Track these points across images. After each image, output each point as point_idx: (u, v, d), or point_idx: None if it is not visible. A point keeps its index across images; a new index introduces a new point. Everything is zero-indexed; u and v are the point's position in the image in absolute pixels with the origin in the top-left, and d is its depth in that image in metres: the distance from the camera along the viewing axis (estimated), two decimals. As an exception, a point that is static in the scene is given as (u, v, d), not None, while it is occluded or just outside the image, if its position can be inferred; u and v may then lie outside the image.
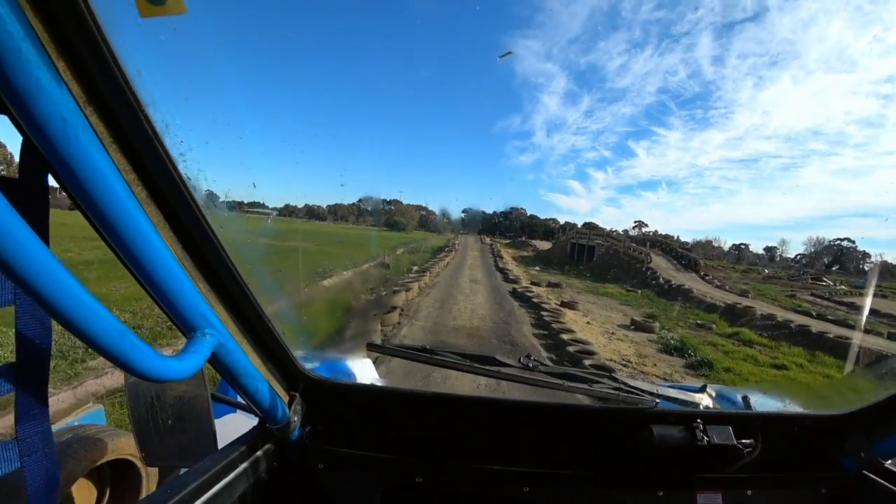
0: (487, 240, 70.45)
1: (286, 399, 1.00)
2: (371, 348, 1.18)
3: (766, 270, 39.51)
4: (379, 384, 1.75)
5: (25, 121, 0.39)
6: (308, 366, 1.06)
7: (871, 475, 1.12)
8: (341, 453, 1.10)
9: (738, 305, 19.66)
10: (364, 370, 1.90)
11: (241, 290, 0.74)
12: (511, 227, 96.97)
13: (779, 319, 17.18)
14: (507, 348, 9.52)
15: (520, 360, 1.13)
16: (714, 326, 16.20)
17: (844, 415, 1.14)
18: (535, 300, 16.38)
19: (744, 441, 1.07)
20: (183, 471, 0.87)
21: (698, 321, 17.81)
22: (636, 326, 14.69)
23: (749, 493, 1.13)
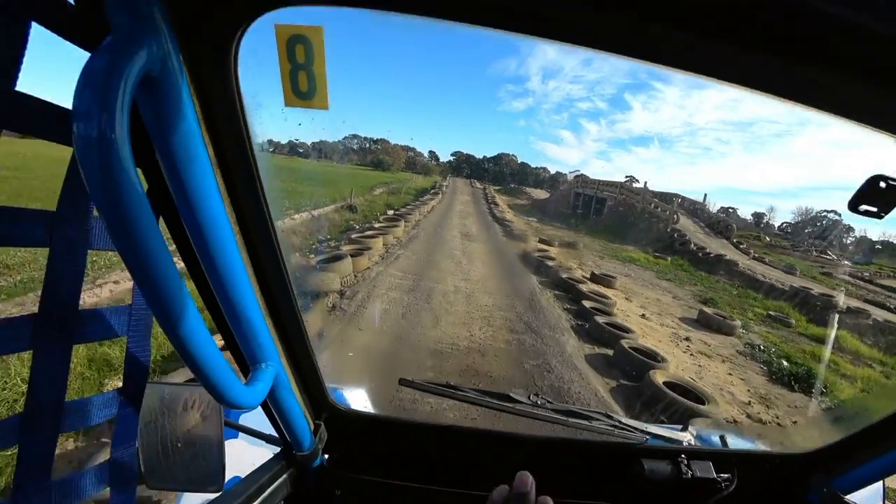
0: (478, 184, 64.14)
1: (311, 426, 1.02)
2: (403, 383, 1.18)
3: (768, 238, 34.76)
4: (372, 411, 1.64)
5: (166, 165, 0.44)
6: None
7: None
8: (360, 480, 1.14)
9: (810, 292, 14.71)
10: (359, 398, 1.96)
11: (296, 323, 0.77)
12: (501, 173, 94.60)
13: (877, 318, 12.42)
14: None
15: (529, 397, 1.19)
16: (793, 322, 12.13)
17: (808, 453, 1.22)
18: (561, 273, 10.87)
19: (722, 475, 1.16)
20: (184, 496, 1.02)
21: (769, 312, 12.93)
22: (706, 323, 9.84)
23: None
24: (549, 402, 1.19)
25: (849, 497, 1.15)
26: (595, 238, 23.65)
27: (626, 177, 33.50)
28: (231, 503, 0.86)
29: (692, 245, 22.13)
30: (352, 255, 8.42)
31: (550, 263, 12.14)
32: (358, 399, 1.95)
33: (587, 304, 8.33)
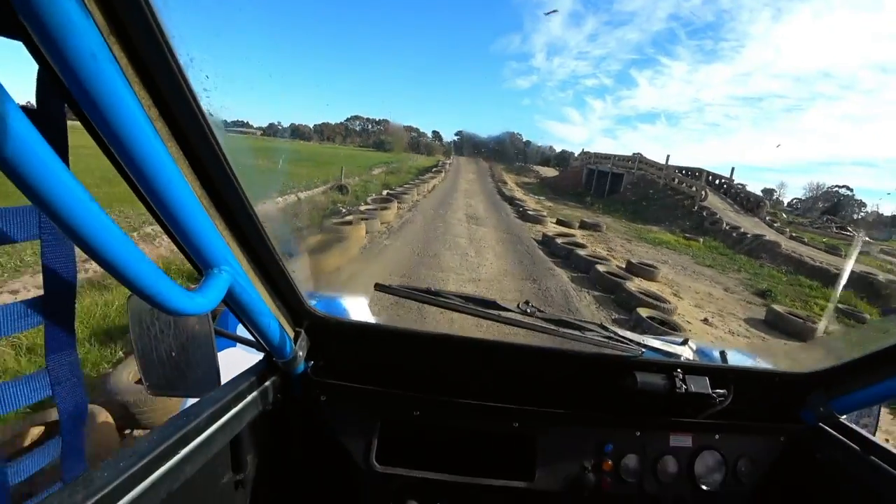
0: (483, 162, 61.34)
1: (292, 334, 1.02)
2: (379, 288, 1.15)
3: (785, 216, 32.33)
4: (371, 320, 1.83)
5: (49, 51, 0.38)
6: (311, 302, 1.09)
7: (826, 427, 1.22)
8: (343, 387, 1.13)
9: (874, 278, 12.46)
10: (358, 308, 1.95)
11: (255, 228, 0.75)
12: (506, 152, 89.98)
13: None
14: None
15: (518, 305, 1.17)
16: (867, 318, 9.88)
17: (809, 373, 1.24)
18: (598, 266, 8.64)
19: (717, 391, 1.15)
20: (189, 401, 0.95)
21: (838, 304, 10.72)
22: (779, 326, 7.71)
23: (716, 437, 1.23)
24: (539, 310, 1.17)
25: (844, 418, 1.20)
26: (616, 218, 21.30)
27: (634, 154, 30.90)
28: (209, 408, 0.85)
29: (724, 224, 19.75)
30: (316, 252, 6.23)
31: (582, 253, 9.89)
32: (359, 308, 1.95)
33: (643, 312, 6.13)
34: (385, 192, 17.44)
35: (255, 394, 0.98)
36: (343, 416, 1.15)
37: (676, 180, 24.94)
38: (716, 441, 1.23)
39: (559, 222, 15.84)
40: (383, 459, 1.14)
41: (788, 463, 1.25)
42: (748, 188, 25.09)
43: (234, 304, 0.76)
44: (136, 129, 0.45)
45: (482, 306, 1.12)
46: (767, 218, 22.98)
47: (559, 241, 10.87)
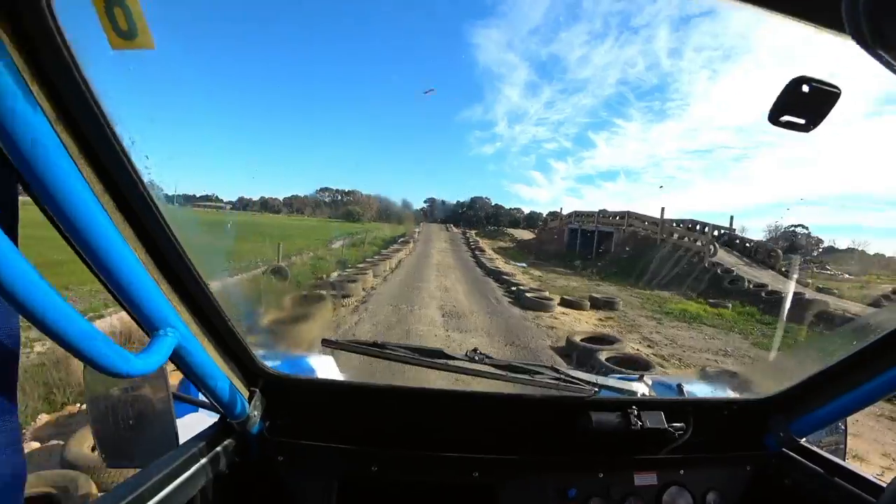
0: (455, 228, 59.01)
1: (246, 395, 1.01)
2: (326, 344, 1.17)
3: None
4: (339, 378, 1.82)
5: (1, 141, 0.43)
6: (270, 363, 1.09)
7: (789, 452, 1.22)
8: (301, 445, 1.12)
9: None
10: (325, 366, 1.95)
11: (202, 291, 0.76)
12: (476, 217, 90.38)
13: None
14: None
15: (466, 353, 1.15)
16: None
17: (765, 398, 1.23)
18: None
19: (675, 425, 1.14)
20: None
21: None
22: None
23: (682, 472, 1.21)
24: (487, 357, 1.15)
25: (804, 440, 1.21)
26: (619, 285, 17.89)
27: (600, 211, 28.88)
28: (156, 474, 0.82)
29: (747, 283, 16.59)
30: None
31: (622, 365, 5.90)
32: (326, 366, 1.93)
33: None
34: (336, 275, 13.50)
35: (208, 457, 0.95)
36: (301, 475, 1.12)
37: (676, 235, 22.19)
38: (681, 476, 1.20)
39: (564, 302, 12.05)
40: None
41: (757, 491, 1.23)
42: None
43: (182, 366, 0.77)
44: (78, 201, 0.50)
45: (429, 356, 1.13)
46: (783, 269, 20.11)
47: (602, 355, 6.74)
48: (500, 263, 21.48)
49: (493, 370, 1.12)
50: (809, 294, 14.54)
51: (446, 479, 1.14)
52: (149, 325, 0.65)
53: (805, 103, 0.57)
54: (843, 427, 1.48)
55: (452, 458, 1.13)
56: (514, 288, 13.35)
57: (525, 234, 52.79)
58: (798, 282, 17.16)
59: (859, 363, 1.00)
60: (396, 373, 3.72)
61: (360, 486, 1.12)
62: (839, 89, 0.57)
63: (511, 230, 57.26)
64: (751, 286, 16.12)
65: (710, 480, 1.21)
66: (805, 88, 0.56)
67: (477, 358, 1.13)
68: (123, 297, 0.60)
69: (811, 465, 1.15)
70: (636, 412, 1.11)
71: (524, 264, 23.61)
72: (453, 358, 1.12)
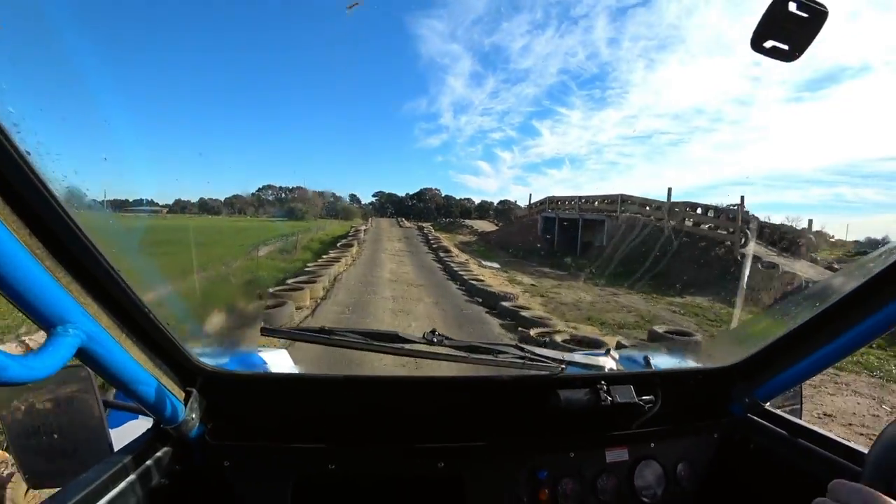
0: (407, 223, 53.13)
1: (181, 396, 0.93)
2: (265, 333, 1.09)
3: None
4: (294, 371, 1.74)
5: None
6: (216, 361, 1.03)
7: (754, 417, 1.23)
8: (249, 447, 1.03)
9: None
10: (280, 360, 1.83)
11: (117, 285, 0.70)
12: (427, 208, 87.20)
13: None
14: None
15: (424, 335, 1.09)
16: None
17: (730, 366, 1.24)
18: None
19: (644, 398, 1.12)
20: None
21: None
22: None
23: (652, 445, 1.20)
24: (446, 338, 1.09)
25: (769, 405, 1.22)
26: (644, 294, 13.32)
27: (579, 197, 25.09)
28: (78, 493, 0.74)
29: (803, 282, 12.52)
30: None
31: None
32: (280, 361, 1.82)
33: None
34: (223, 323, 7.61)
35: (140, 469, 0.86)
36: (250, 480, 1.02)
37: (691, 221, 17.98)
38: (652, 450, 1.20)
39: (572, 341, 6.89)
40: None
41: (725, 458, 1.25)
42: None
43: (96, 368, 0.71)
44: None
45: (383, 340, 1.07)
46: (812, 255, 16.43)
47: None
48: (476, 268, 16.22)
49: (453, 352, 1.08)
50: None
51: (410, 472, 1.07)
52: (44, 321, 0.60)
53: (790, 26, 0.53)
54: (799, 390, 1.51)
55: (415, 448, 1.07)
56: (543, 337, 7.66)
57: (485, 226, 48.17)
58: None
59: (818, 327, 1.02)
60: (356, 364, 3.89)
61: (317, 486, 1.04)
62: (827, 9, 0.52)
63: (469, 221, 52.21)
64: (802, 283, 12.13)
65: (680, 451, 1.22)
66: (792, 6, 0.52)
67: (436, 340, 1.07)
68: (10, 291, 0.54)
69: (775, 427, 1.18)
70: (605, 387, 1.08)
71: (496, 265, 18.66)
72: (410, 341, 1.06)
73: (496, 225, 51.33)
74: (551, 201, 27.80)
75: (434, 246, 24.41)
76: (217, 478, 1.00)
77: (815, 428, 1.12)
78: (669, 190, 19.51)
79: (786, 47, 0.55)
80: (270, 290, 9.72)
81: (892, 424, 0.57)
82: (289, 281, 11.21)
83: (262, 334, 1.08)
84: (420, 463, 1.07)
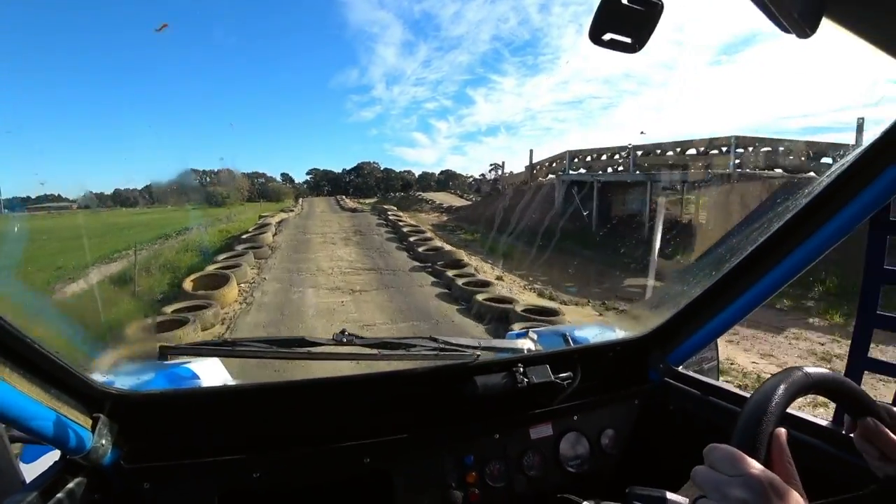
0: (349, 201, 42.12)
1: (87, 423, 0.89)
2: (165, 351, 1.11)
3: None
4: (230, 383, 1.67)
5: None
6: (136, 379, 1.03)
7: (670, 380, 1.28)
8: (169, 466, 0.99)
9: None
10: (212, 371, 1.69)
11: None
12: (366, 184, 78.69)
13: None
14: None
15: (333, 336, 1.12)
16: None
17: (645, 335, 1.30)
18: None
19: (561, 375, 1.15)
20: None
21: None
22: None
23: (575, 418, 1.22)
24: (357, 336, 1.12)
25: (681, 368, 1.28)
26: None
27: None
28: None
29: None
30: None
31: None
32: (214, 371, 1.71)
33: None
34: None
35: (52, 502, 0.81)
36: (174, 499, 0.99)
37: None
38: (575, 422, 1.22)
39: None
40: None
41: (645, 422, 1.28)
42: None
43: None
44: None
45: (290, 346, 1.07)
46: None
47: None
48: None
49: (365, 350, 1.10)
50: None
51: (336, 472, 1.06)
52: None
53: (627, 20, 0.54)
54: (714, 348, 1.55)
55: (340, 448, 1.05)
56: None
57: (448, 198, 38.55)
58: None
59: (719, 289, 1.09)
60: (288, 370, 3.37)
61: (243, 498, 1.01)
62: (662, 2, 0.53)
63: (427, 195, 42.11)
64: None
65: (603, 420, 1.24)
66: (624, 0, 0.53)
67: (346, 339, 1.10)
68: None
69: (689, 388, 1.23)
70: (521, 369, 1.11)
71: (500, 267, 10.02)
72: (318, 343, 1.09)
73: (462, 197, 41.93)
74: (575, 156, 18.61)
75: (400, 232, 14.52)
76: (137, 501, 0.96)
77: (725, 385, 1.20)
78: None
79: (628, 40, 0.55)
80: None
81: (757, 391, 0.59)
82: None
83: (160, 354, 1.07)
84: (346, 462, 1.06)
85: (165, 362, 1.43)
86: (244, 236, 15.15)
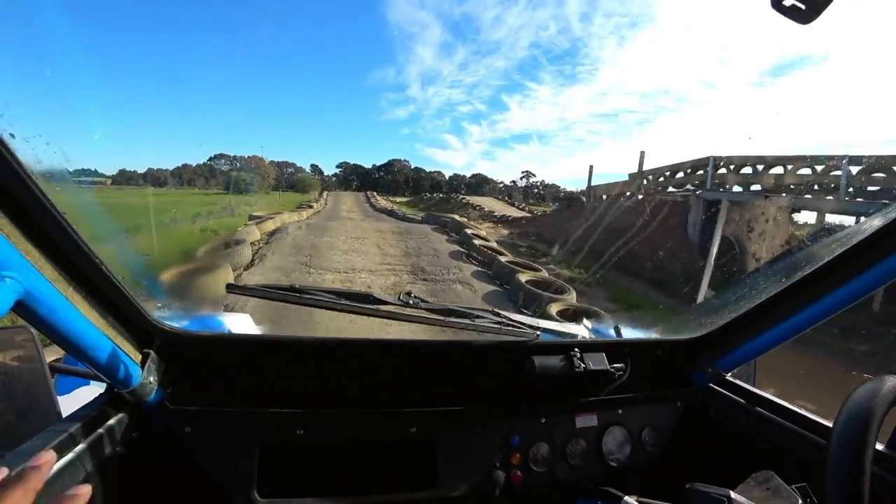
0: (381, 199, 37.32)
1: (138, 358, 0.88)
2: (231, 289, 1.05)
3: None
4: (255, 333, 1.55)
5: None
6: (178, 323, 0.99)
7: (716, 387, 1.26)
8: (211, 413, 0.96)
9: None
10: (242, 324, 1.75)
11: (59, 227, 0.62)
12: (395, 181, 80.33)
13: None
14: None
15: (399, 296, 1.07)
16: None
17: (695, 338, 1.27)
18: None
19: (615, 365, 1.14)
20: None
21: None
22: None
23: (619, 411, 1.21)
24: (422, 300, 1.08)
25: (729, 375, 1.25)
26: None
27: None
28: (17, 462, 0.65)
29: None
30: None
31: None
32: (243, 325, 1.73)
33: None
34: None
35: (93, 436, 0.80)
36: (214, 447, 0.96)
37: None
38: (619, 416, 1.21)
39: None
40: (267, 490, 0.96)
41: (687, 425, 1.27)
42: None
43: (39, 325, 0.65)
44: None
45: (356, 301, 1.03)
46: None
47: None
48: None
49: (429, 315, 1.07)
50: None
51: (381, 437, 1.04)
52: None
53: None
54: (753, 363, 1.50)
55: (387, 413, 1.03)
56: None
57: (495, 205, 33.45)
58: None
59: (778, 303, 1.04)
60: (322, 329, 3.38)
61: (284, 452, 0.99)
62: None
63: (473, 199, 36.63)
64: None
65: (645, 417, 1.23)
66: None
67: (412, 302, 1.06)
68: None
69: (734, 396, 1.20)
70: (579, 354, 1.10)
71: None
72: (385, 302, 1.04)
73: (513, 205, 36.24)
74: (719, 165, 12.79)
75: (462, 241, 8.99)
76: (177, 445, 0.94)
77: (773, 398, 1.14)
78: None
79: (803, 7, 0.53)
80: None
81: (851, 397, 0.56)
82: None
83: (227, 291, 1.05)
84: (392, 428, 1.04)
85: (197, 313, 1.47)
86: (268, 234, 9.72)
